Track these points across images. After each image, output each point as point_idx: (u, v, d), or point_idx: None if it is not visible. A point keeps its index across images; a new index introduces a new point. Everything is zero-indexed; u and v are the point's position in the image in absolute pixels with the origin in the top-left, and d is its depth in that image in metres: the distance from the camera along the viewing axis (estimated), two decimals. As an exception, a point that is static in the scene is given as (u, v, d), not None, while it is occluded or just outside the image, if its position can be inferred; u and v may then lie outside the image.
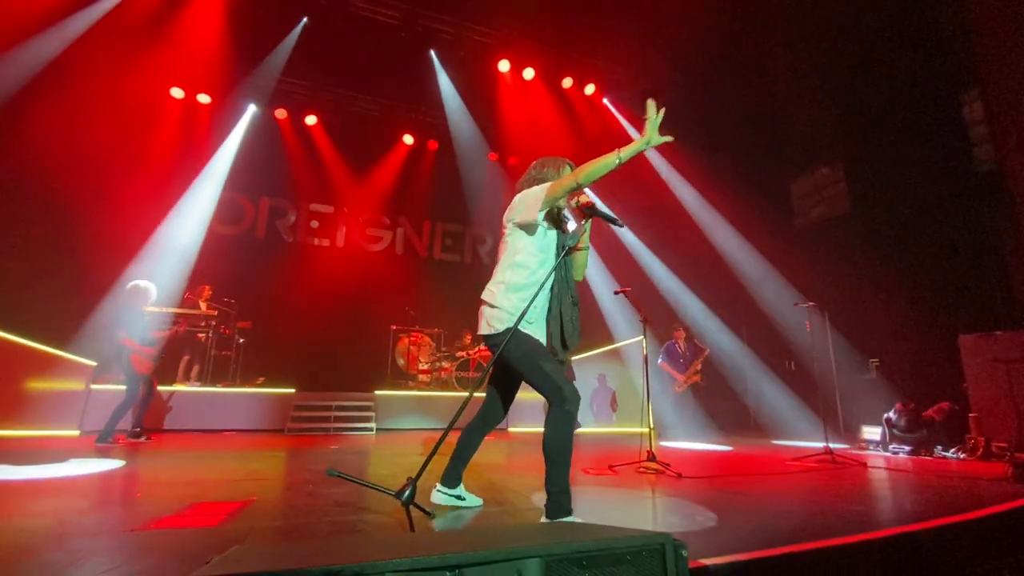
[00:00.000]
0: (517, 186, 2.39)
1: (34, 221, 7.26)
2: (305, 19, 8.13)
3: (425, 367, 8.71)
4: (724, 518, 2.47)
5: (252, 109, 9.20)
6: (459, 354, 8.41)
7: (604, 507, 2.76)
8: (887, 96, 7.53)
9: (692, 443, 6.47)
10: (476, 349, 8.56)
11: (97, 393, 5.97)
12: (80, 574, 1.65)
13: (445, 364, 8.48)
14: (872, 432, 6.16)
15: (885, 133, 7.59)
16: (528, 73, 9.30)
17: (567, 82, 9.59)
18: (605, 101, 9.97)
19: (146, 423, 5.63)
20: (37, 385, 5.83)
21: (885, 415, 6.04)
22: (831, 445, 4.75)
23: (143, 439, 5.10)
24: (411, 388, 8.17)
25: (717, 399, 8.44)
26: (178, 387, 6.54)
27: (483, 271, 10.87)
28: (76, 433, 5.74)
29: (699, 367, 7.09)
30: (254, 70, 8.71)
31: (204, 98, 8.82)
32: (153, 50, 7.81)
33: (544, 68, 9.39)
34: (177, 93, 8.64)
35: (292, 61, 8.54)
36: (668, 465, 3.90)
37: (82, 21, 7.20)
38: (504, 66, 9.12)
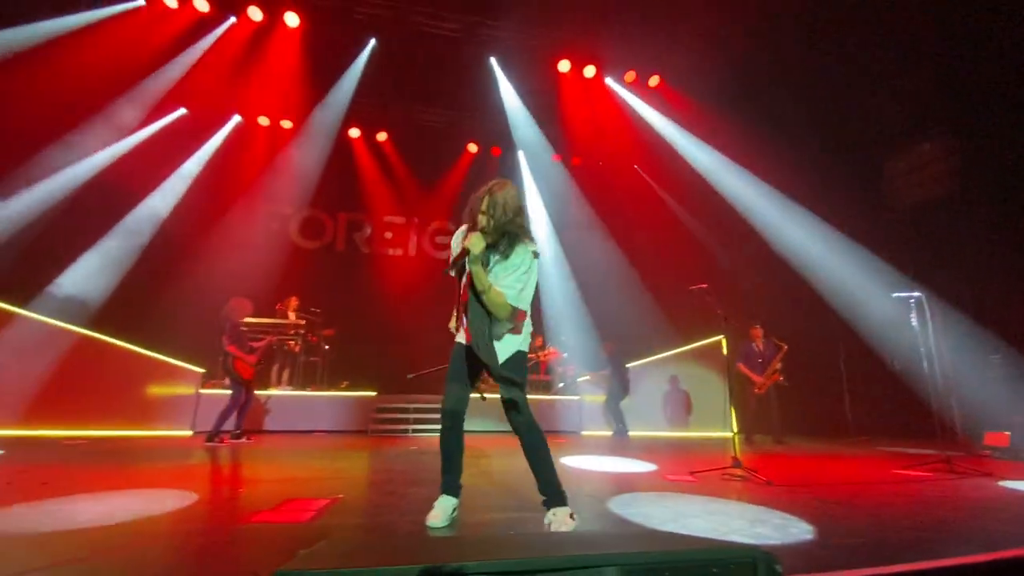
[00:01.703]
0: (489, 208, 2.24)
1: (146, 244, 8.22)
2: (373, 40, 8.54)
3: (496, 371, 8.80)
4: (822, 531, 2.27)
5: (328, 130, 9.82)
6: (529, 356, 8.42)
7: (685, 515, 2.63)
8: (997, 60, 6.63)
9: (781, 448, 6.04)
10: (545, 352, 8.53)
11: (206, 397, 6.61)
12: (187, 562, 1.82)
13: (515, 367, 8.52)
14: (999, 438, 5.42)
15: (997, 101, 6.69)
16: (589, 71, 9.17)
17: (629, 76, 9.35)
18: (669, 91, 9.60)
19: (247, 424, 6.16)
20: (155, 390, 6.57)
21: (1015, 418, 5.29)
22: (948, 452, 4.23)
23: (244, 439, 5.57)
24: (483, 391, 8.28)
25: (810, 401, 7.81)
26: (273, 391, 7.09)
27: (548, 275, 10.85)
28: (189, 433, 6.39)
29: (778, 366, 6.60)
30: (329, 94, 9.29)
31: (287, 124, 9.54)
32: (242, 85, 8.57)
33: (605, 65, 9.22)
34: (263, 121, 9.42)
35: (363, 81, 9.01)
36: (756, 471, 3.66)
37: (186, 60, 8.05)
38: (564, 66, 9.06)
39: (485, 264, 2.22)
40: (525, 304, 2.29)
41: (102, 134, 7.84)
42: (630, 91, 9.62)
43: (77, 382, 6.16)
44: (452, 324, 2.56)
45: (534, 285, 2.33)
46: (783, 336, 6.72)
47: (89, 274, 7.73)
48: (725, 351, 4.37)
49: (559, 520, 2.21)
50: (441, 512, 2.31)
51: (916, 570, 1.72)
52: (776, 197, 8.92)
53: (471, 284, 2.22)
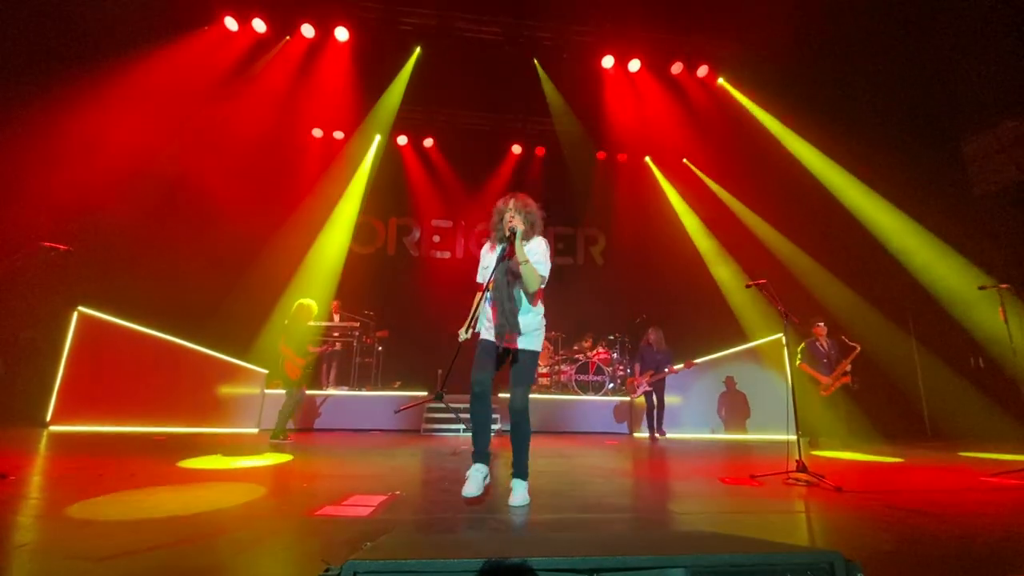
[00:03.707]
0: (518, 212, 2.92)
1: (215, 253, 8.76)
2: (418, 49, 8.75)
3: (544, 370, 8.79)
4: (903, 540, 2.12)
5: (378, 139, 10.14)
6: (577, 357, 8.35)
7: (745, 522, 2.53)
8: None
9: (852, 453, 5.68)
10: (595, 352, 8.44)
11: (271, 397, 6.98)
12: (262, 551, 1.93)
13: (564, 367, 8.48)
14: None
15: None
16: (634, 65, 8.99)
17: (676, 68, 9.08)
18: (721, 81, 9.26)
19: (306, 423, 6.46)
20: (225, 390, 7.00)
21: None
22: (1046, 459, 3.85)
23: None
24: (531, 391, 8.28)
25: (881, 403, 7.30)
26: (332, 391, 7.40)
27: (597, 272, 10.72)
28: (255, 431, 6.75)
29: (848, 367, 6.17)
30: (377, 103, 9.59)
31: (338, 134, 9.93)
32: (297, 99, 8.99)
33: (650, 57, 9.00)
34: (317, 133, 9.86)
35: (409, 89, 9.24)
36: (823, 477, 3.46)
37: (247, 79, 8.55)
38: (608, 62, 8.93)
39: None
40: (547, 273, 2.90)
41: (174, 154, 8.45)
42: (678, 84, 9.35)
43: (156, 382, 6.67)
44: (463, 332, 2.89)
45: (550, 262, 2.96)
46: (851, 333, 6.30)
47: (166, 282, 8.34)
48: (786, 349, 4.16)
49: (519, 491, 2.74)
50: (473, 482, 2.64)
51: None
52: (845, 186, 8.42)
53: (506, 271, 2.83)
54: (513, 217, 2.90)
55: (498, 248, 2.88)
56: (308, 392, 7.12)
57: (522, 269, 2.78)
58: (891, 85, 8.11)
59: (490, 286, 2.85)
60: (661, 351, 7.01)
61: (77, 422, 6.23)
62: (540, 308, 3.00)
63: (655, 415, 6.91)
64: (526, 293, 2.87)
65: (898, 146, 8.11)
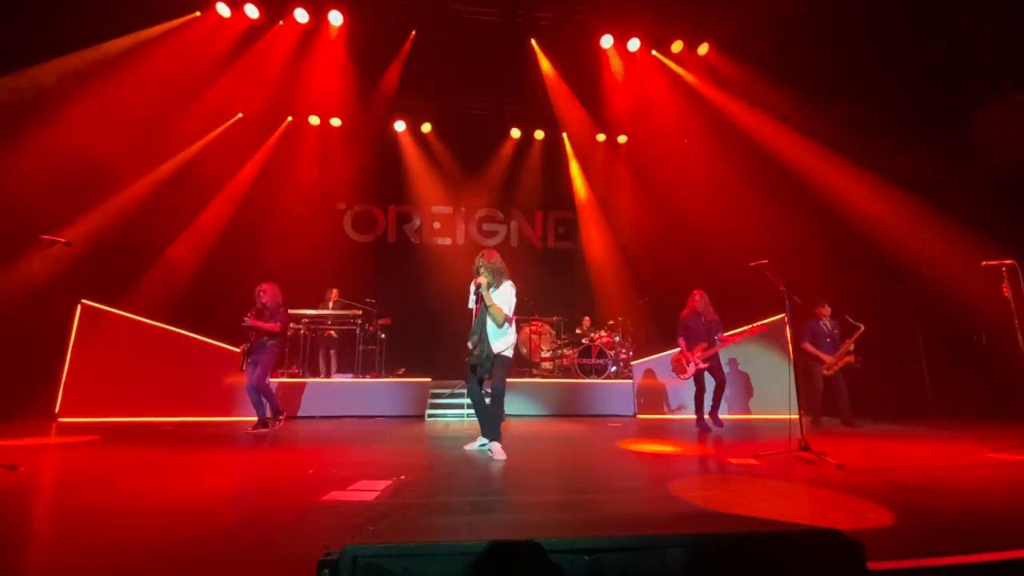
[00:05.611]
0: (485, 268, 4.12)
1: (214, 240, 8.77)
2: (413, 32, 8.60)
3: (547, 355, 8.81)
4: (905, 517, 2.12)
5: (375, 125, 10.02)
6: (580, 341, 8.37)
7: (749, 499, 2.54)
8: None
9: (852, 431, 5.70)
10: (597, 335, 8.44)
11: (273, 384, 7.00)
12: (267, 537, 1.95)
13: (567, 351, 8.49)
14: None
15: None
16: (633, 44, 8.83)
17: (677, 46, 8.92)
18: (721, 59, 9.08)
19: (316, 409, 6.56)
20: (230, 379, 7.03)
21: None
22: (1049, 434, 3.85)
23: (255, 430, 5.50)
24: (535, 376, 8.33)
25: (884, 381, 7.30)
26: (335, 379, 7.44)
27: (597, 255, 10.67)
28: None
29: (851, 347, 6.16)
30: (374, 89, 9.46)
31: (336, 121, 9.82)
32: (292, 86, 8.87)
33: (650, 36, 8.83)
34: (314, 120, 9.74)
35: (405, 74, 9.10)
36: (825, 454, 3.47)
37: (240, 66, 8.43)
38: (607, 42, 8.77)
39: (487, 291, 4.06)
40: (509, 312, 4.09)
41: (168, 143, 8.41)
42: (678, 63, 9.19)
43: (162, 373, 6.72)
44: (470, 343, 4.04)
45: (514, 302, 4.15)
46: (856, 313, 6.28)
47: (167, 271, 8.36)
48: (788, 329, 4.15)
49: (496, 450, 3.82)
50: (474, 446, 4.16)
51: (1019, 558, 1.58)
52: (845, 164, 8.30)
53: (482, 303, 4.03)
54: (480, 273, 4.12)
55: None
56: (312, 380, 7.20)
57: (488, 311, 4.03)
58: (897, 59, 7.94)
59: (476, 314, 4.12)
60: (710, 319, 5.86)
61: (85, 413, 6.30)
62: (508, 328, 4.13)
63: (715, 396, 5.83)
64: (495, 323, 4.04)
65: (903, 120, 7.98)
